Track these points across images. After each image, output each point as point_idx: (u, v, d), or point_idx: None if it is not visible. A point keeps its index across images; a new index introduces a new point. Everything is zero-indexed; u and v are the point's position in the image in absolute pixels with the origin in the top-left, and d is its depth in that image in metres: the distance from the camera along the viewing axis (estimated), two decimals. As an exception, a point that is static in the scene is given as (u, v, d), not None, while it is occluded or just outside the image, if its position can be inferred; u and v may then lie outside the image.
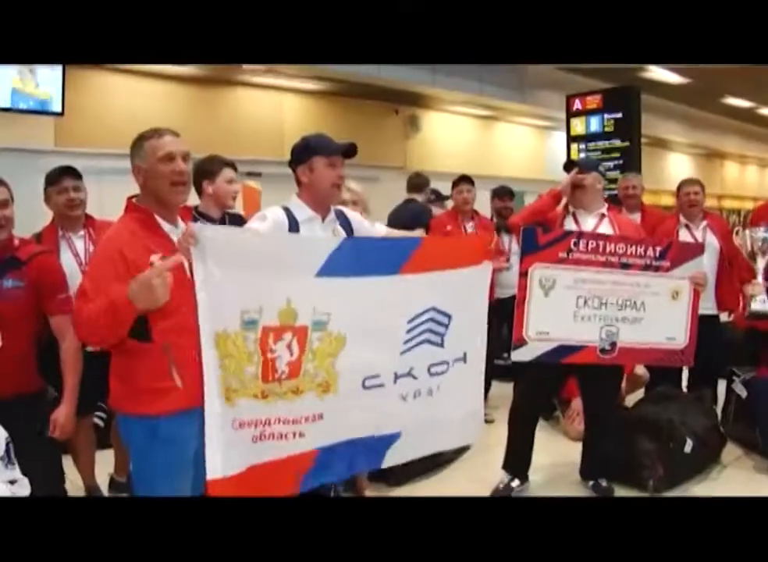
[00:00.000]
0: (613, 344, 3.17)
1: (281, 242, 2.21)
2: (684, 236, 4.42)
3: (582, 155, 7.75)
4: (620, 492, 3.54)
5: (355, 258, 2.21)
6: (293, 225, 2.49)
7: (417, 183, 5.77)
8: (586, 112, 7.84)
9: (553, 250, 3.04)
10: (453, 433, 2.65)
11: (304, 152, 2.57)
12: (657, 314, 3.20)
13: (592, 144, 7.74)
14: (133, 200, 2.25)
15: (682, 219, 4.52)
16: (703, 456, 3.81)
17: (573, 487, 3.67)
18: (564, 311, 3.08)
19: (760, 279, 3.97)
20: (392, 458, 2.44)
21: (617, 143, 7.56)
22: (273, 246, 2.10)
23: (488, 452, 3.92)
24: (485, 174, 9.81)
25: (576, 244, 3.06)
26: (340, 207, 2.74)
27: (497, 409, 4.99)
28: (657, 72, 10.31)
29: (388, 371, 2.34)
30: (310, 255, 2.13)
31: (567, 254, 3.05)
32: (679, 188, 4.61)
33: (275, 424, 2.08)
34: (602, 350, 3.17)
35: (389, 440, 2.40)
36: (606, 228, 3.42)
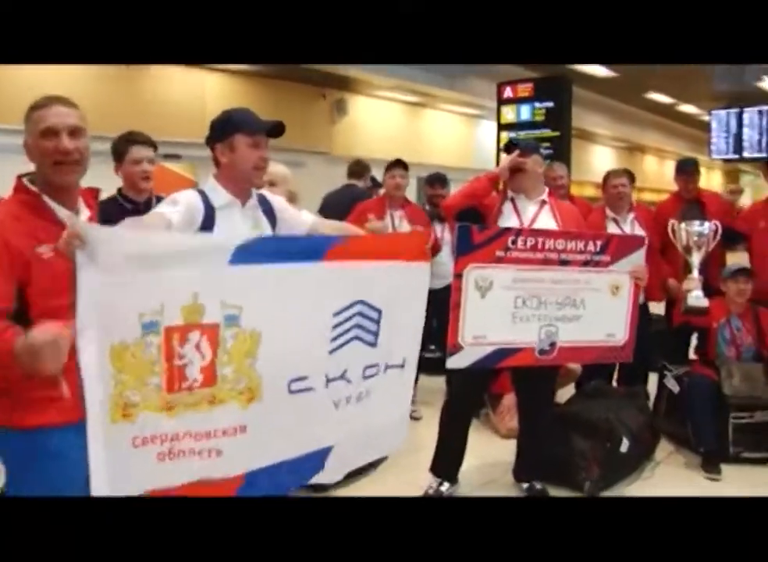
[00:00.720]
0: (553, 344, 3.02)
1: (188, 241, 1.89)
2: (612, 230, 4.28)
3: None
4: (555, 494, 3.40)
5: (274, 244, 1.96)
6: (209, 211, 2.19)
7: (357, 169, 5.55)
8: (517, 100, 7.73)
9: (489, 248, 2.84)
10: (380, 443, 2.43)
11: (225, 128, 2.26)
12: (597, 311, 3.06)
13: (522, 133, 7.61)
14: (24, 179, 1.93)
15: (609, 213, 4.37)
16: (638, 454, 3.72)
17: (506, 489, 3.51)
18: (502, 312, 2.90)
19: (695, 273, 3.90)
20: (320, 477, 2.21)
21: (548, 132, 7.48)
22: (179, 245, 1.81)
23: (419, 452, 3.73)
24: (412, 161, 9.61)
25: (514, 242, 2.87)
26: (264, 191, 2.47)
27: (426, 405, 4.82)
28: (585, 65, 10.34)
29: (317, 373, 2.10)
30: (221, 243, 1.86)
31: (505, 253, 2.86)
32: (606, 180, 4.44)
33: (186, 439, 1.81)
34: (541, 351, 3.01)
35: (320, 455, 2.16)
36: (546, 216, 3.24)
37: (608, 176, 4.46)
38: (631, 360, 3.27)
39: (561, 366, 4.37)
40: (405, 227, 4.43)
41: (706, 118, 14.03)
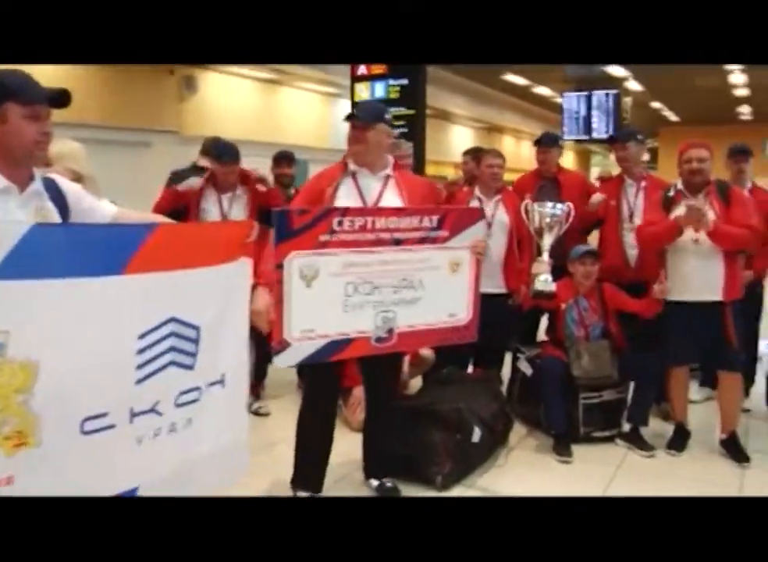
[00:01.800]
0: (390, 330, 2.82)
1: None
2: None
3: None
4: (408, 491, 3.23)
5: (55, 252, 1.60)
6: None
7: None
8: (371, 77, 7.49)
9: (312, 232, 2.58)
10: (210, 475, 2.13)
11: None
12: (437, 291, 2.89)
13: (376, 112, 7.43)
14: None
15: (477, 192, 4.30)
16: (491, 442, 3.63)
17: (357, 487, 3.31)
18: (332, 302, 2.67)
19: (546, 257, 3.85)
20: None
21: (403, 110, 7.30)
22: None
23: (273, 448, 3.48)
24: (267, 141, 9.28)
25: (340, 223, 2.63)
26: (53, 174, 2.10)
27: (275, 399, 4.58)
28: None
29: (120, 407, 1.77)
30: None
31: (330, 236, 2.61)
32: (480, 159, 4.37)
33: None
34: (378, 339, 2.80)
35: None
36: (391, 193, 2.97)
37: (484, 156, 4.39)
38: (476, 339, 3.12)
39: (413, 354, 4.23)
40: (236, 212, 4.05)
41: (559, 100, 14.43)
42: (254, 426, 3.78)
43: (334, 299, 2.66)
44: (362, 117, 2.93)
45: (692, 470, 3.64)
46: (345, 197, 2.92)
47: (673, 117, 20.31)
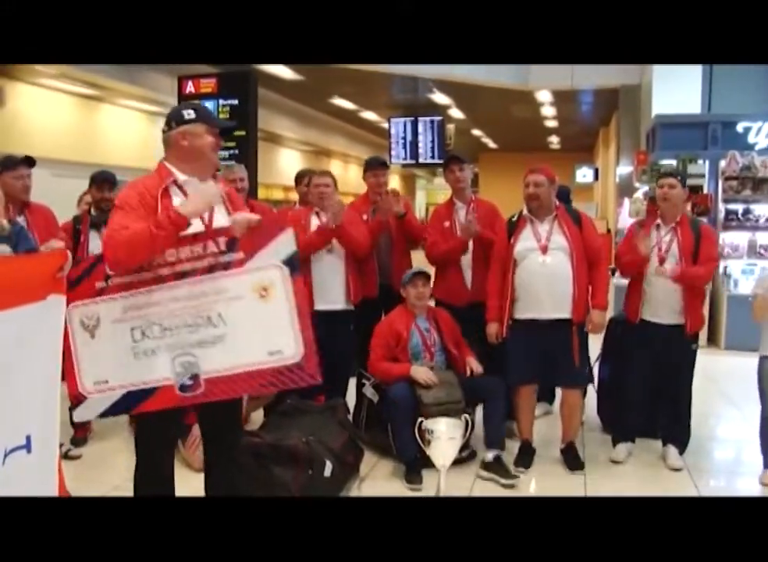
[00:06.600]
0: (195, 377, 2.43)
1: None
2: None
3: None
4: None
5: None
6: None
7: None
8: (200, 96, 7.21)
9: (89, 282, 2.42)
10: None
11: None
12: (245, 325, 2.43)
13: (206, 131, 7.13)
14: None
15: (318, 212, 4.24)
16: (343, 475, 3.48)
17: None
18: (119, 350, 2.43)
19: None
20: None
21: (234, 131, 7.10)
22: None
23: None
24: (87, 161, 8.68)
25: None
26: None
27: (103, 441, 4.17)
28: (270, 66, 10.14)
29: None
30: None
31: (107, 282, 2.42)
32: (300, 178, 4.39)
33: None
34: (183, 387, 2.44)
35: None
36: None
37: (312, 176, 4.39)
38: (320, 381, 2.52)
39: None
40: None
41: (386, 125, 14.72)
42: (80, 475, 3.41)
43: (121, 347, 2.42)
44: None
45: (542, 486, 3.72)
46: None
47: (491, 144, 21.44)
